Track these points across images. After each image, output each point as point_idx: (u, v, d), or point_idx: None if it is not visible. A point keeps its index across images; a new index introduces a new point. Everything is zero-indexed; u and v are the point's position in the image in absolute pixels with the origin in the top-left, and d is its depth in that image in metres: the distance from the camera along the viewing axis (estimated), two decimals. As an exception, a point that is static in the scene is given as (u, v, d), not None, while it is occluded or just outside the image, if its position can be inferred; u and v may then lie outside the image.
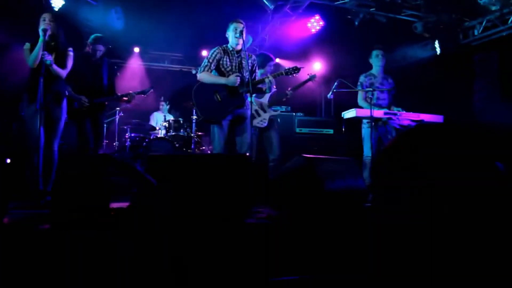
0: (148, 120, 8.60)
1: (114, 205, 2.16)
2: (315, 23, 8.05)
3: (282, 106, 7.63)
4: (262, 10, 7.66)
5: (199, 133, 7.72)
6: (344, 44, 8.19)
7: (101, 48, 5.17)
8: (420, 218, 1.89)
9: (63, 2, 6.22)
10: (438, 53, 7.94)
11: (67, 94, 4.48)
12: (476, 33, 7.97)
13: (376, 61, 5.82)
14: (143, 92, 5.73)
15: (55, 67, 4.17)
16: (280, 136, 5.63)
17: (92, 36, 5.19)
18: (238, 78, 4.52)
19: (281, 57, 9.04)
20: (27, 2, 6.08)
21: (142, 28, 7.73)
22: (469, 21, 8.03)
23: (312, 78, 5.69)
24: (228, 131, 4.65)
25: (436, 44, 7.93)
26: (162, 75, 9.69)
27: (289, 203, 3.10)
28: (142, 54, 9.29)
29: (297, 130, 7.60)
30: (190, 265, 2.22)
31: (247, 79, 4.53)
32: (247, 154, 4.33)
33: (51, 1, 6.13)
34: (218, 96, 4.57)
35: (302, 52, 8.73)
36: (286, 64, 8.64)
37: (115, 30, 6.88)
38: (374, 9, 7.34)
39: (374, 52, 5.84)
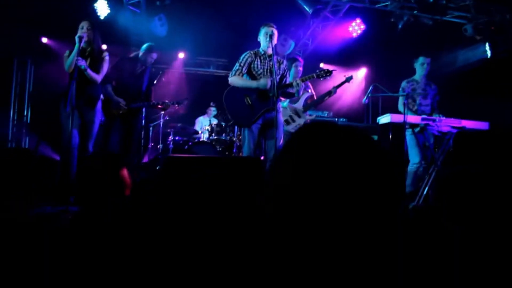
0: (193, 124, 8.78)
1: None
2: (356, 27, 7.91)
3: (324, 112, 7.49)
4: (304, 14, 7.62)
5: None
6: (389, 47, 7.99)
7: (154, 56, 5.45)
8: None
9: (109, 11, 6.53)
10: (489, 57, 7.56)
11: (102, 97, 4.68)
12: (531, 34, 7.52)
13: (420, 69, 5.61)
14: (178, 103, 5.89)
15: (89, 71, 4.36)
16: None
17: (146, 45, 5.43)
18: (269, 80, 4.50)
19: (325, 62, 8.94)
20: (76, 14, 6.42)
21: (186, 34, 7.90)
22: (524, 22, 7.59)
23: (348, 79, 5.57)
24: (258, 135, 4.66)
25: (487, 47, 7.55)
26: (208, 80, 9.86)
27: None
28: (187, 60, 9.48)
29: (340, 136, 7.43)
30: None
31: (277, 83, 4.52)
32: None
33: (97, 11, 6.45)
34: (248, 100, 4.59)
35: (346, 56, 8.59)
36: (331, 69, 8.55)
37: (158, 37, 7.09)
38: (417, 11, 7.09)
39: (421, 59, 5.60)
